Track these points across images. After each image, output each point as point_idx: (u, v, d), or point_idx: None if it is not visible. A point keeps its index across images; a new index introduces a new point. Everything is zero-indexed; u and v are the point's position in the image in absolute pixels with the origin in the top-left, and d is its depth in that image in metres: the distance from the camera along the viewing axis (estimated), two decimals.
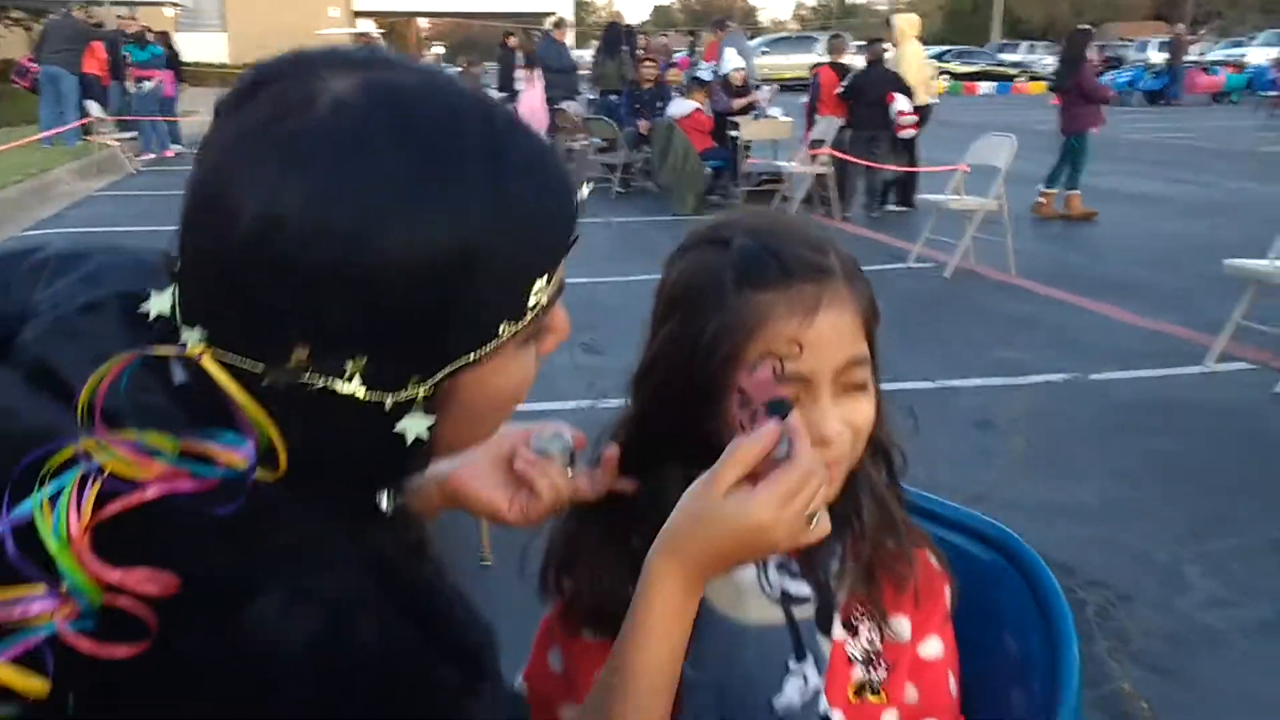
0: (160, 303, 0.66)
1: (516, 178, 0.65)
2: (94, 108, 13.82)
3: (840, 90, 9.59)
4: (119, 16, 18.32)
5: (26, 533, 0.57)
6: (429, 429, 0.66)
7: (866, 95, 9.38)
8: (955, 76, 31.73)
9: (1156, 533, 3.34)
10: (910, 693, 1.03)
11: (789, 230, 0.96)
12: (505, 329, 0.66)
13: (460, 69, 18.92)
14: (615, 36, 12.45)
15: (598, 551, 1.03)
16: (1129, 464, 3.93)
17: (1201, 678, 2.61)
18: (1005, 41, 40.95)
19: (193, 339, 0.63)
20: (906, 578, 1.01)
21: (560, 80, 13.14)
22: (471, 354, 0.65)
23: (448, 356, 0.65)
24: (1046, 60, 31.81)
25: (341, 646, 0.60)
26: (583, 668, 1.03)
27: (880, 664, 1.01)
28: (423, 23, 52.54)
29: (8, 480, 0.58)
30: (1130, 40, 36.64)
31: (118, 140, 13.74)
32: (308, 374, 0.62)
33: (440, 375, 0.65)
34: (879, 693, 1.01)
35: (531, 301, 0.67)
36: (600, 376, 4.68)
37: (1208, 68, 27.67)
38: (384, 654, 0.62)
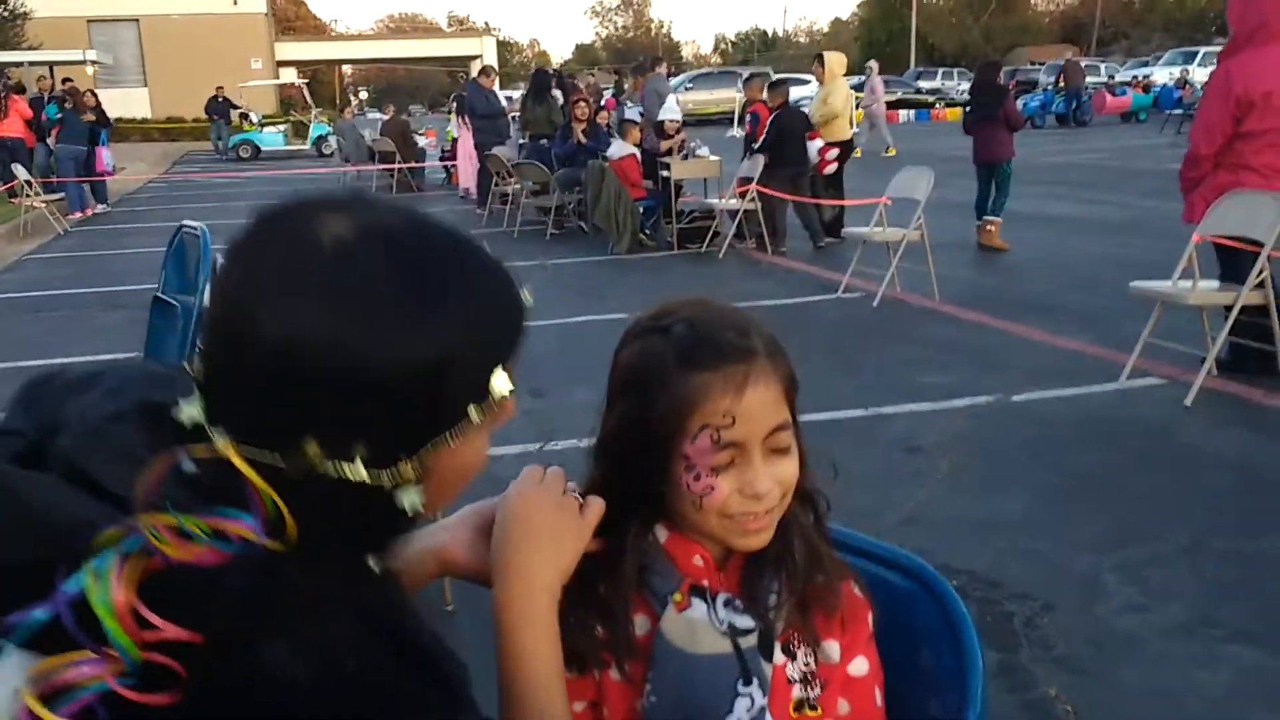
0: (191, 410, 0.81)
1: (481, 295, 0.83)
2: (19, 170, 13.70)
3: (763, 139, 9.85)
4: (40, 78, 18.19)
5: (78, 607, 0.72)
6: (420, 499, 0.83)
7: (789, 135, 9.69)
8: None
9: (1077, 544, 3.56)
10: (842, 706, 1.20)
11: (719, 318, 1.13)
12: (474, 412, 0.83)
13: (387, 115, 19.09)
14: (543, 82, 12.66)
15: (571, 600, 1.18)
16: (1050, 480, 4.16)
17: (1121, 679, 2.81)
18: (922, 69, 41.95)
19: (220, 439, 0.78)
20: (834, 606, 1.18)
21: (489, 126, 13.34)
22: (447, 435, 0.82)
23: (430, 439, 0.82)
24: (962, 86, 32.74)
25: (337, 682, 0.76)
26: None
27: (816, 683, 1.18)
28: (346, 69, 52.47)
29: (59, 562, 0.73)
30: (1040, 64, 37.82)
31: (45, 202, 13.64)
32: (319, 462, 0.78)
33: (423, 454, 0.82)
34: (816, 708, 1.18)
35: (494, 389, 0.84)
36: (547, 420, 4.82)
37: (1115, 88, 28.69)
38: (373, 686, 0.77)
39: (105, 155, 16.10)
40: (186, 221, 3.69)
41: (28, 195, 13.51)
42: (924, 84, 37.45)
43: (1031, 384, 5.41)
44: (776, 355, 1.12)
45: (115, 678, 0.71)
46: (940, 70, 40.59)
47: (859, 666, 1.21)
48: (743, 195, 9.73)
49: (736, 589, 1.15)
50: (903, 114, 32.66)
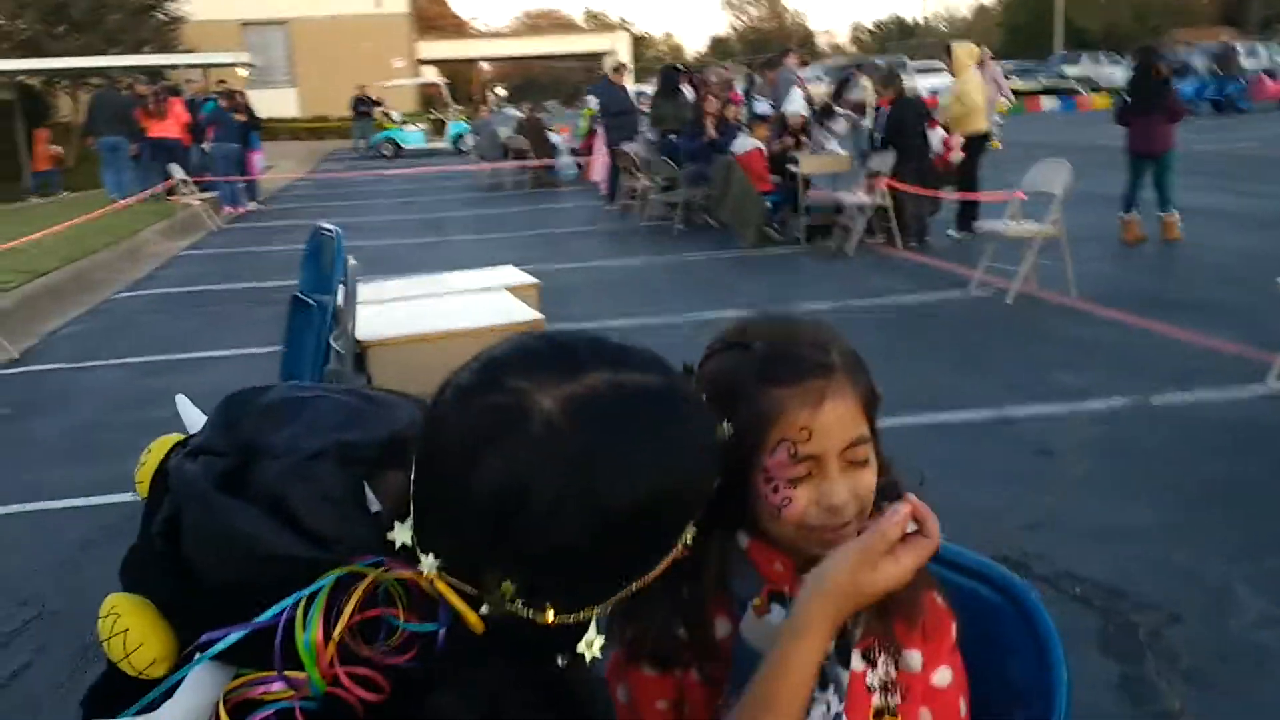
0: (404, 533, 0.87)
1: (683, 458, 0.88)
2: (176, 170, 14.46)
3: (882, 132, 9.76)
4: (188, 81, 19.16)
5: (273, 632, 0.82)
6: (601, 648, 0.90)
7: (907, 128, 9.58)
8: (1017, 94, 31.50)
9: (1210, 553, 3.43)
10: (924, 716, 1.21)
11: (798, 333, 1.16)
12: (662, 562, 0.90)
13: (524, 115, 19.46)
14: (671, 79, 12.74)
15: (655, 603, 1.23)
16: (1186, 487, 4.00)
17: (1251, 694, 2.71)
18: (1067, 53, 40.34)
19: (429, 565, 0.86)
20: (916, 616, 1.20)
21: (620, 123, 13.48)
22: (634, 585, 0.90)
23: (619, 591, 0.89)
24: (1109, 71, 31.38)
25: None
26: (645, 698, 1.23)
27: (895, 691, 1.20)
28: (484, 66, 53.58)
29: (259, 588, 0.82)
30: (1192, 45, 36.00)
31: (200, 200, 14.36)
32: (514, 603, 0.85)
33: (610, 602, 0.89)
34: (896, 716, 1.20)
35: (683, 541, 0.90)
36: None
37: (1276, 72, 27.18)
38: None
39: (257, 160, 16.82)
40: (322, 223, 3.87)
41: (183, 194, 14.26)
42: (1069, 69, 35.94)
43: (1172, 385, 5.20)
44: (855, 370, 1.14)
45: (299, 701, 0.81)
46: (1086, 55, 38.92)
47: (942, 676, 1.22)
48: (871, 190, 9.61)
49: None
50: (1045, 101, 31.41)
